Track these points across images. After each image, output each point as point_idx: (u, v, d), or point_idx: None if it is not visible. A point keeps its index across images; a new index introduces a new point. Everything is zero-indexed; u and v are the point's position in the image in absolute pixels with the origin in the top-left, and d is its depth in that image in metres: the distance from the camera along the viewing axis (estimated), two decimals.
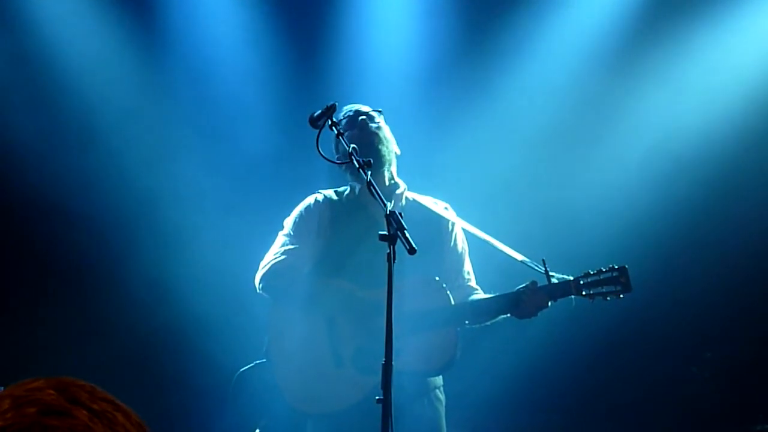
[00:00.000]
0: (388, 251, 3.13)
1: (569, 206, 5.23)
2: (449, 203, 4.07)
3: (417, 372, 3.77)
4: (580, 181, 5.24)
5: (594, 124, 5.24)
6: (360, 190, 3.92)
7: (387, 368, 3.08)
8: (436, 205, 4.01)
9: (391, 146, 3.98)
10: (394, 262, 3.15)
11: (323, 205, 4.01)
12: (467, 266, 4.03)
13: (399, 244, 3.13)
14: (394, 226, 3.19)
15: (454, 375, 3.99)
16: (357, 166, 3.45)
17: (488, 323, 3.88)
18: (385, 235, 3.18)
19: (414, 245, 3.12)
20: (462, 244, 4.02)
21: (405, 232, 3.17)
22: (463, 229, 3.99)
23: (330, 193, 4.05)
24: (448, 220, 3.98)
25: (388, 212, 3.22)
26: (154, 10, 5.31)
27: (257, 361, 3.96)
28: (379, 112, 4.02)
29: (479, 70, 5.31)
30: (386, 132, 3.99)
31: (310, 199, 4.04)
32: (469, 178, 5.18)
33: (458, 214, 4.04)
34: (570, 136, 5.25)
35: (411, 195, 4.01)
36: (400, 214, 3.23)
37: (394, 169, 4.02)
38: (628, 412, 5.19)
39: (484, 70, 5.31)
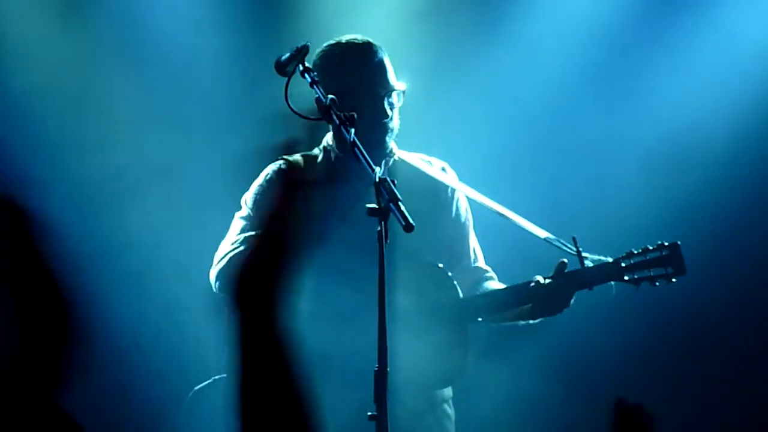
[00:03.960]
0: (379, 229, 2.86)
1: (605, 171, 4.92)
2: (447, 162, 3.70)
3: (420, 383, 3.46)
4: (618, 140, 4.94)
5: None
6: (337, 153, 3.56)
7: (381, 376, 2.85)
8: (431, 166, 3.64)
9: None
10: (386, 242, 2.85)
11: (289, 175, 3.59)
12: (473, 242, 3.70)
13: (391, 221, 2.89)
14: (386, 196, 2.90)
15: (466, 384, 3.70)
16: (337, 122, 3.10)
17: (508, 322, 3.61)
18: (374, 208, 2.88)
19: (411, 220, 2.83)
20: (465, 214, 3.69)
21: (399, 203, 2.88)
22: (467, 197, 3.66)
23: (297, 158, 3.63)
24: (446, 186, 3.63)
25: (377, 179, 2.91)
26: None
27: (216, 377, 3.64)
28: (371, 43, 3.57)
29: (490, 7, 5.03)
30: None
31: (271, 169, 3.62)
32: (476, 133, 4.84)
33: (460, 178, 3.68)
34: (604, 82, 5.01)
35: (399, 154, 3.62)
36: (393, 181, 2.92)
37: None
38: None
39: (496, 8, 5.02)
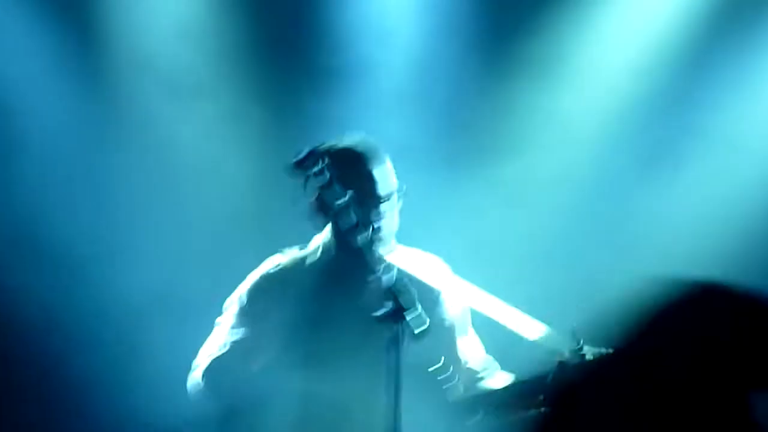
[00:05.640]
0: (391, 334, 2.79)
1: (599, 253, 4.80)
2: (442, 255, 3.59)
3: None
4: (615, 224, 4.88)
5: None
6: (337, 252, 3.41)
7: None
8: (423, 263, 3.50)
9: None
10: (396, 348, 2.78)
11: (286, 272, 3.45)
12: (461, 344, 3.55)
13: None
14: (399, 300, 2.81)
15: None
16: (354, 220, 3.02)
17: (515, 416, 3.33)
18: (386, 314, 2.79)
19: (424, 327, 2.79)
20: (454, 312, 3.53)
21: (412, 309, 2.81)
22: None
23: (295, 255, 3.48)
24: (433, 288, 3.48)
25: (392, 284, 2.84)
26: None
27: None
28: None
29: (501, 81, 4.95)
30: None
31: (266, 267, 3.48)
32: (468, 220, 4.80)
33: (454, 270, 3.55)
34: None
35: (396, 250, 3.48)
36: (405, 285, 2.85)
37: None
38: None
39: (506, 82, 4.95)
